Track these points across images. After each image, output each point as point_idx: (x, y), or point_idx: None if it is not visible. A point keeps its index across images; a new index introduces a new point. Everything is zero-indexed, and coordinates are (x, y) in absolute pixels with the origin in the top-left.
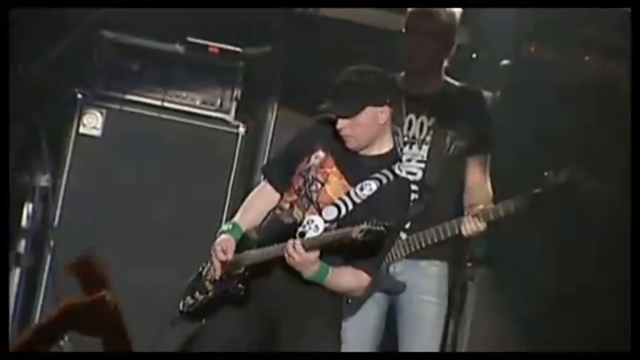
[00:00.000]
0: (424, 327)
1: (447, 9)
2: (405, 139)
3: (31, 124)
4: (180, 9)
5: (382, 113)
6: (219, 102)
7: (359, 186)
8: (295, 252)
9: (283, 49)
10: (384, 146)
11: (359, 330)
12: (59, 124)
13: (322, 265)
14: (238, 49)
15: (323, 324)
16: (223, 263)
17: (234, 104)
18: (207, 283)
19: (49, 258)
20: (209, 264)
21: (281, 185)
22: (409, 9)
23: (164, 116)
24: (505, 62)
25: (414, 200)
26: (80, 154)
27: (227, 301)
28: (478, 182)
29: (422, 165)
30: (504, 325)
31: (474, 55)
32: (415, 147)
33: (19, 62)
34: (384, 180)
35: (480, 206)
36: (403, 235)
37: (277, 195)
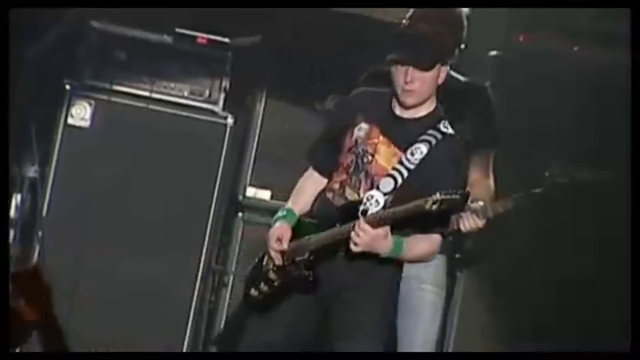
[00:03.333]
0: (424, 316)
1: None
2: None
3: (19, 114)
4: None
5: (442, 72)
6: (207, 92)
7: (409, 152)
8: (363, 232)
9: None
10: (429, 107)
11: None
12: (47, 115)
13: (396, 239)
14: (226, 40)
15: (375, 315)
16: (281, 252)
17: (223, 95)
18: (270, 273)
19: (37, 248)
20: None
21: (328, 168)
22: None
23: (152, 107)
24: (494, 52)
25: None
26: (68, 145)
27: (292, 290)
28: (481, 177)
29: None
30: (492, 316)
31: (462, 46)
32: None
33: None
34: (433, 142)
35: (480, 203)
36: None
37: (325, 180)
